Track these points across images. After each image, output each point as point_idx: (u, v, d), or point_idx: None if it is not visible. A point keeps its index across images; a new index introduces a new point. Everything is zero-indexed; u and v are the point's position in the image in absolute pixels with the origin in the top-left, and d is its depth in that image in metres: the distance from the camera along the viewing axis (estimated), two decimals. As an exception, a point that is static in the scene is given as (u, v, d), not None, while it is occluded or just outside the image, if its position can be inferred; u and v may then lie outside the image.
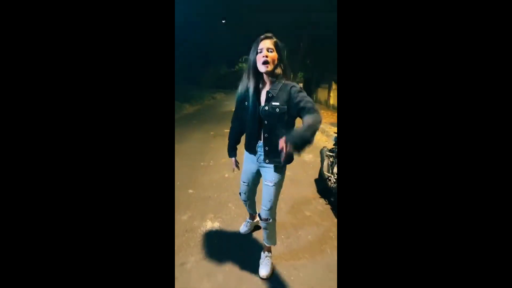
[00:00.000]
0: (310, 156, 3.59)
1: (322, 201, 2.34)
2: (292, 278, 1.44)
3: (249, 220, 1.85)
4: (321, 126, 5.41)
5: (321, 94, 8.97)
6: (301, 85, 12.21)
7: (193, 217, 2.05)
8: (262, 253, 1.53)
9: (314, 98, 9.76)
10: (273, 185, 1.31)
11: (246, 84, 1.24)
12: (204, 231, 1.86)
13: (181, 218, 2.03)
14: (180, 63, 10.04)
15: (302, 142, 0.95)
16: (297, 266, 1.53)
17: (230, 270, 1.49)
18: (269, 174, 1.32)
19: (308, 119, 1.07)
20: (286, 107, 1.18)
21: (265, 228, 1.41)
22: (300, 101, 1.15)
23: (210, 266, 1.51)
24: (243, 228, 1.85)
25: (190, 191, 2.51)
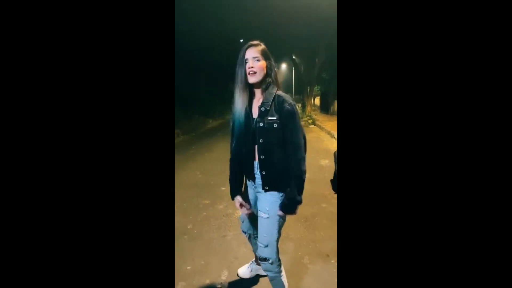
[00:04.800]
0: (327, 161, 3.98)
1: (336, 196, 2.71)
2: (310, 247, 1.83)
3: (254, 263, 1.52)
4: (335, 133, 5.67)
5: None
6: (318, 99, 12.54)
7: (227, 206, 2.50)
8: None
9: (331, 111, 10.11)
10: (267, 217, 1.09)
11: (237, 103, 1.07)
12: (237, 216, 2.29)
13: (219, 207, 2.50)
14: (204, 80, 10.86)
15: (295, 206, 1.05)
16: (314, 240, 1.92)
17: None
18: (263, 203, 1.12)
19: (295, 170, 1.03)
20: (279, 119, 1.03)
21: (266, 270, 1.15)
22: (291, 130, 1.04)
23: (244, 238, 1.93)
24: (242, 270, 1.52)
25: (223, 188, 2.98)
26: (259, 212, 1.13)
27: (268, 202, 1.10)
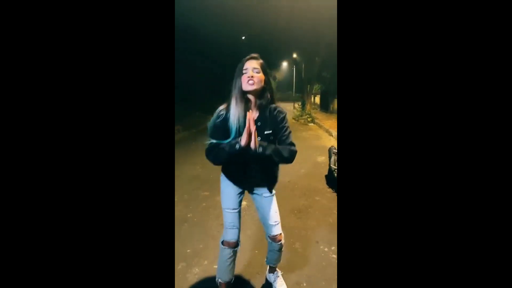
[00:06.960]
0: (323, 158, 4.11)
1: (329, 190, 2.84)
2: (302, 234, 1.97)
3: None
4: (333, 131, 5.82)
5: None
6: (318, 97, 12.67)
7: (226, 198, 2.65)
8: (270, 274, 1.45)
9: (331, 109, 10.23)
10: (272, 195, 1.25)
11: (233, 112, 1.08)
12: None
13: (217, 198, 2.61)
14: (207, 77, 10.99)
15: (276, 153, 1.06)
16: (305, 228, 2.06)
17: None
18: (262, 186, 1.24)
19: (285, 148, 1.11)
20: (273, 131, 1.13)
21: (279, 250, 1.30)
22: (284, 132, 1.13)
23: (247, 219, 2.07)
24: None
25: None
26: (264, 194, 1.23)
27: (269, 183, 1.24)
